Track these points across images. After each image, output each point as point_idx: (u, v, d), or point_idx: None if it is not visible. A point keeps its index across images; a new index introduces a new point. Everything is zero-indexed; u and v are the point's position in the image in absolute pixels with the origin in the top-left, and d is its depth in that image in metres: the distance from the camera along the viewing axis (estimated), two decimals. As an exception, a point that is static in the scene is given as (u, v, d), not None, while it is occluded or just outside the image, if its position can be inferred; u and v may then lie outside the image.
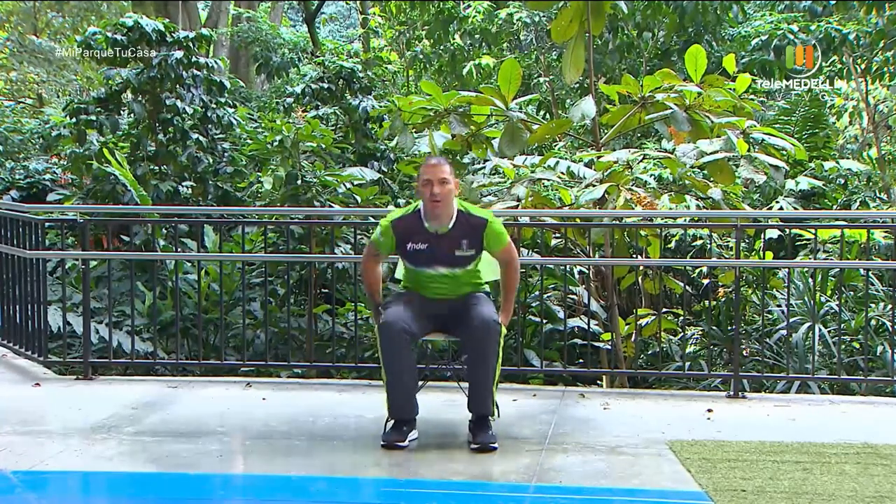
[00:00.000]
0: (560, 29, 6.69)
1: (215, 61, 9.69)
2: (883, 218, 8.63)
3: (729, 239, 7.78)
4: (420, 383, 4.82)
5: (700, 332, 7.94)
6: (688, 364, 6.87)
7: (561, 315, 6.80)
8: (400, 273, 4.92)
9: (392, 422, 4.51)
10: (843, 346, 6.71)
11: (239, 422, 4.95)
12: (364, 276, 4.75)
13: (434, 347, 6.40)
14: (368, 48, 16.92)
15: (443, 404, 4.99)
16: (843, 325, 6.30)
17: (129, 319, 6.66)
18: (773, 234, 7.90)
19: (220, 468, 4.25)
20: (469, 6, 13.93)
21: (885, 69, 11.64)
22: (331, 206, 7.50)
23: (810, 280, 7.22)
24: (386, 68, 14.62)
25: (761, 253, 7.05)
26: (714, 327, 7.46)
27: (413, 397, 4.53)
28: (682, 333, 7.01)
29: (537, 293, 6.64)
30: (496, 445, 4.37)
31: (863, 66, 11.91)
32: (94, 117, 9.16)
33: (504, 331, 4.50)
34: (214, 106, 9.47)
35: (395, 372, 4.43)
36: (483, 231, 4.47)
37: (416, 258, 4.54)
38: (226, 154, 9.66)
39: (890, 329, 6.44)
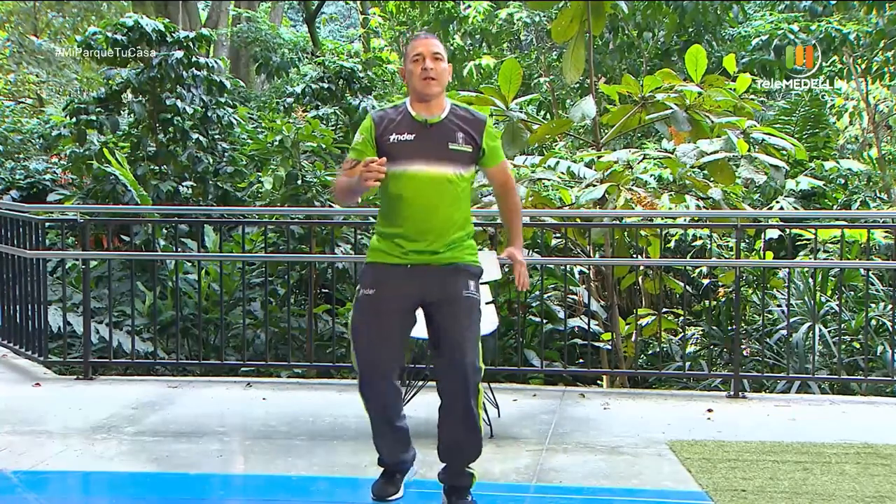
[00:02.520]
0: (560, 29, 6.70)
1: (215, 61, 9.69)
2: (883, 218, 8.64)
3: (729, 239, 7.79)
4: (420, 383, 4.83)
5: (700, 332, 7.94)
6: (688, 364, 6.87)
7: (561, 315, 6.80)
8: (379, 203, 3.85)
9: (382, 470, 3.82)
10: (844, 346, 6.71)
11: (239, 422, 4.95)
12: (335, 188, 3.70)
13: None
14: (369, 48, 16.93)
15: (443, 404, 4.99)
16: (843, 325, 6.30)
17: (129, 319, 6.66)
18: (773, 234, 7.91)
19: (220, 468, 4.25)
20: (469, 6, 13.94)
21: (885, 69, 11.66)
22: (331, 206, 7.50)
23: (810, 280, 7.21)
24: (386, 68, 14.63)
25: (761, 253, 7.05)
26: (714, 327, 7.46)
27: (407, 444, 3.81)
28: (682, 333, 7.00)
29: (537, 293, 6.64)
30: None
31: (863, 66, 11.92)
32: (94, 117, 9.16)
33: (525, 291, 3.75)
34: (214, 106, 9.48)
35: (381, 431, 3.70)
36: (482, 129, 3.66)
37: (399, 152, 3.55)
38: (226, 154, 9.66)
39: (890, 329, 6.44)
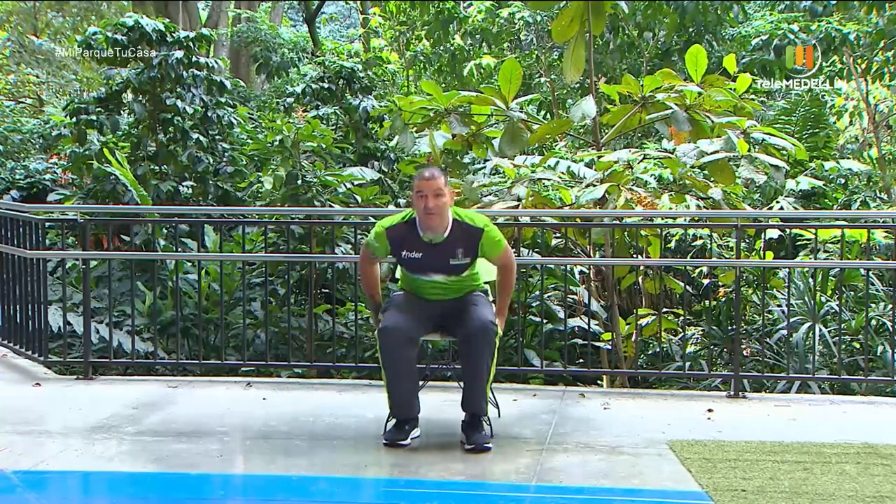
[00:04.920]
0: (561, 29, 6.69)
1: (215, 61, 9.70)
2: (883, 218, 8.64)
3: (729, 239, 7.78)
4: (420, 383, 4.83)
5: (700, 332, 7.93)
6: (688, 364, 6.87)
7: (561, 315, 6.79)
8: (399, 273, 4.93)
9: (394, 420, 4.52)
10: (844, 346, 6.71)
11: (239, 422, 4.95)
12: (362, 279, 4.79)
13: (434, 347, 6.41)
14: (369, 48, 16.92)
15: (443, 404, 4.99)
16: (843, 325, 6.30)
17: (129, 319, 6.66)
18: (773, 234, 7.89)
19: (220, 468, 4.25)
20: (470, 5, 13.94)
21: (886, 69, 11.65)
22: (331, 206, 7.50)
23: (811, 280, 7.21)
24: (386, 68, 14.63)
25: (761, 253, 7.05)
26: (714, 327, 7.45)
27: (414, 396, 4.55)
28: (682, 333, 7.00)
29: (537, 293, 6.63)
30: (490, 446, 4.38)
31: (863, 66, 11.91)
32: (94, 117, 9.16)
33: (500, 332, 4.50)
34: (215, 106, 9.48)
35: (395, 374, 4.45)
36: (479, 240, 4.47)
37: (411, 265, 4.56)
38: (226, 154, 9.67)
39: (890, 329, 6.44)
